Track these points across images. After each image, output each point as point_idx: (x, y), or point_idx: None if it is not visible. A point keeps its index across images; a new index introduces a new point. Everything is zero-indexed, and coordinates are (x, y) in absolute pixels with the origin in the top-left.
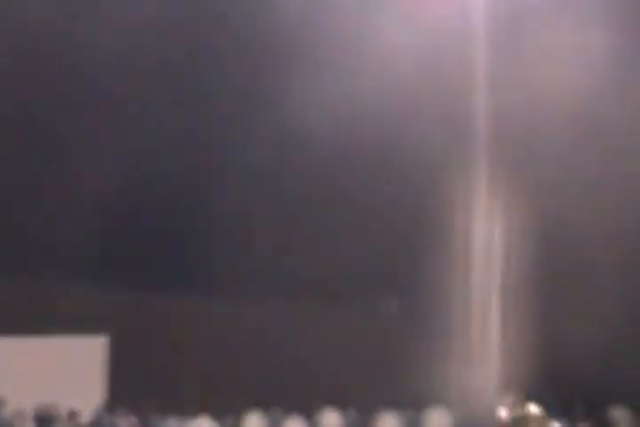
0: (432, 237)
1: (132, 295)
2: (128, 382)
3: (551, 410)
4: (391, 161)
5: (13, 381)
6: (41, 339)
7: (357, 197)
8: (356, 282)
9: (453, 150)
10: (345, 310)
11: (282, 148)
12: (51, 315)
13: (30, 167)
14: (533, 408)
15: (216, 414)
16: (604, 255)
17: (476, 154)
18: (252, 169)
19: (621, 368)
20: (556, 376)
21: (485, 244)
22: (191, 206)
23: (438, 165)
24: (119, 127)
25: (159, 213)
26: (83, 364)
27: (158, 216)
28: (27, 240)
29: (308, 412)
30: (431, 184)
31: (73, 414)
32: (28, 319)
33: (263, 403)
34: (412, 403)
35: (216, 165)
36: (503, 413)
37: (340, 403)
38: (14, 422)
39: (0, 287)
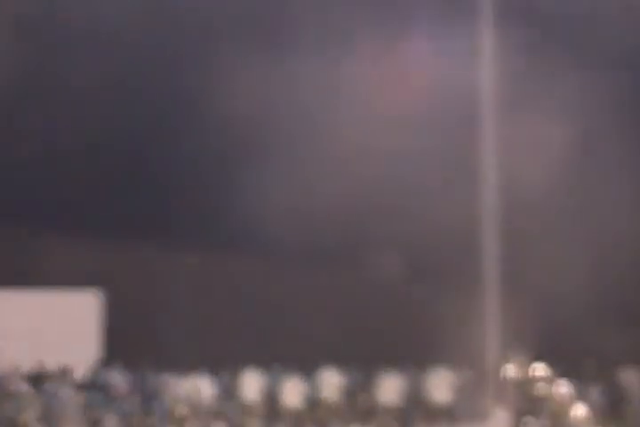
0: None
1: (126, 249)
2: (123, 338)
3: (560, 371)
4: None
5: (6, 336)
6: (34, 293)
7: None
8: (357, 240)
9: None
10: (346, 268)
11: None
12: (44, 269)
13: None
14: (540, 368)
15: (213, 371)
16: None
17: None
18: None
19: (629, 328)
20: (565, 337)
21: (485, 198)
22: (190, 159)
23: None
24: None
25: (157, 165)
26: (77, 319)
27: (156, 167)
28: (23, 196)
29: (308, 370)
30: None
31: (66, 371)
32: (20, 273)
33: (262, 360)
34: (415, 362)
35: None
36: (509, 373)
37: (341, 362)
38: (6, 378)
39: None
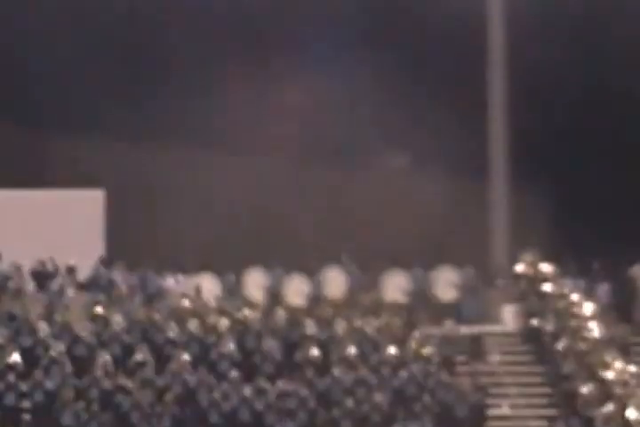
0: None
1: (130, 149)
2: (126, 239)
3: (570, 269)
4: None
5: (11, 235)
6: (38, 192)
7: None
8: (364, 139)
9: None
10: (352, 166)
11: None
12: (48, 168)
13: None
14: (547, 266)
15: (217, 272)
16: None
17: None
18: None
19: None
20: (575, 236)
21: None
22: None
23: None
24: None
25: (159, 64)
26: (81, 218)
27: (157, 67)
28: (26, 94)
29: (310, 270)
30: None
31: (70, 269)
32: (25, 173)
33: (266, 261)
34: (422, 261)
35: None
36: (518, 270)
37: (345, 261)
38: (11, 276)
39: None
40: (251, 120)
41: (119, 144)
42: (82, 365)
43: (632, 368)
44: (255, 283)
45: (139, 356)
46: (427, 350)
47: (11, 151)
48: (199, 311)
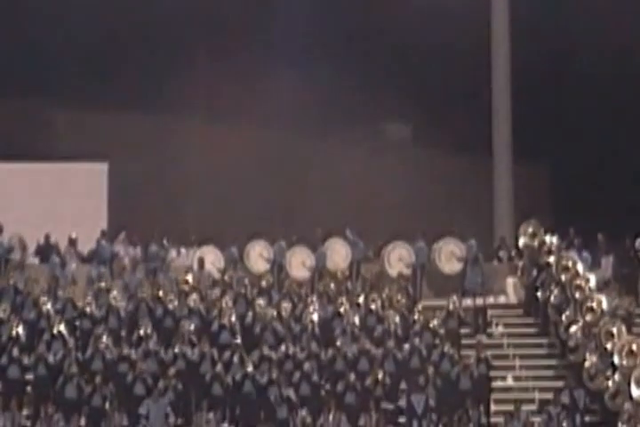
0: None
1: (133, 122)
2: (129, 212)
3: (573, 242)
4: None
5: (16, 207)
6: (44, 165)
7: None
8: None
9: None
10: (355, 136)
11: None
12: (54, 142)
13: None
14: (550, 238)
15: (220, 245)
16: None
17: None
18: None
19: None
20: (578, 209)
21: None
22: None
23: None
24: None
25: (164, 28)
26: (84, 191)
27: (164, 31)
28: (32, 68)
29: (314, 243)
30: None
31: (72, 242)
32: (30, 146)
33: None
34: (423, 234)
35: None
36: (521, 242)
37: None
38: (14, 248)
39: (3, 113)
40: (256, 93)
41: (123, 118)
42: (85, 338)
43: (638, 340)
44: (258, 256)
45: (142, 329)
46: (431, 323)
47: (17, 125)
48: (201, 284)
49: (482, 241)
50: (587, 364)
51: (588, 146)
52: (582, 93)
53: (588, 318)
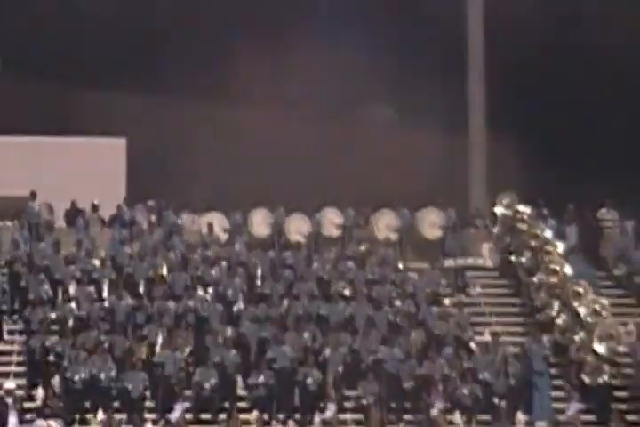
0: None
1: (150, 103)
2: (145, 182)
3: (542, 212)
4: None
5: (41, 178)
6: (69, 139)
7: None
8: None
9: None
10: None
11: None
12: (78, 118)
13: None
14: (524, 208)
15: (225, 211)
16: None
17: None
18: None
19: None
20: (547, 181)
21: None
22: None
23: None
24: None
25: (172, 15)
26: (105, 164)
27: (171, 17)
28: (57, 49)
29: (310, 210)
30: None
31: (95, 207)
32: (57, 122)
33: (268, 202)
34: (408, 203)
35: None
36: (497, 211)
37: (340, 203)
38: (42, 212)
39: (25, 89)
40: (261, 77)
41: (141, 98)
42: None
43: (602, 300)
44: (260, 221)
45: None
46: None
47: (43, 103)
48: (211, 244)
49: (460, 210)
50: (558, 321)
51: (558, 121)
52: (544, 76)
53: (555, 279)
